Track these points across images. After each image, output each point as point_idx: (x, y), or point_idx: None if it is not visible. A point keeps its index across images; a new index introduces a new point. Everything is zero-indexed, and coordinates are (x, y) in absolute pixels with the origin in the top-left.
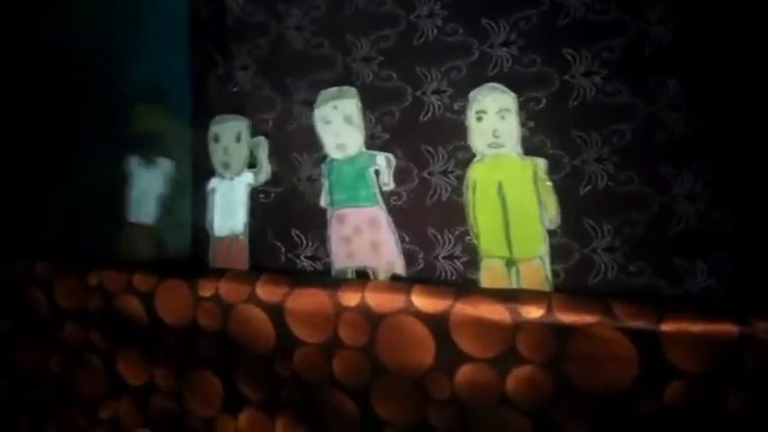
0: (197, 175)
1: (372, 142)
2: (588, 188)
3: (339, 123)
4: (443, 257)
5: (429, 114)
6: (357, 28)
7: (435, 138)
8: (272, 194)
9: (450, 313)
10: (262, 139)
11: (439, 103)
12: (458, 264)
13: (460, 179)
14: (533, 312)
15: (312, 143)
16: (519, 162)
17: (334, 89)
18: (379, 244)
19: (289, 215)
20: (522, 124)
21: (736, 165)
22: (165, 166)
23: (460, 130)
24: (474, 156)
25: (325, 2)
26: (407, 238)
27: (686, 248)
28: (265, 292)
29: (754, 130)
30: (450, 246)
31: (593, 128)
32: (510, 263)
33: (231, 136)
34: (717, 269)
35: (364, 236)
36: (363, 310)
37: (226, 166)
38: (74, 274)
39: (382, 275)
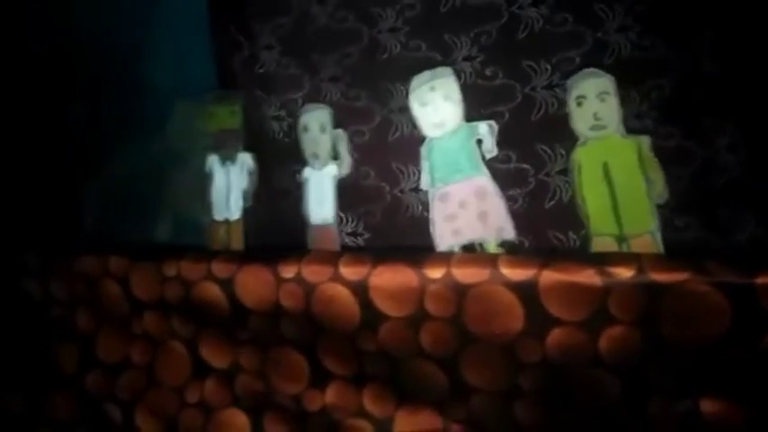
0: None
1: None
2: None
3: (438, 103)
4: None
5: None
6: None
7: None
8: None
9: (538, 279)
10: (340, 132)
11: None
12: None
13: None
14: (624, 273)
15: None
16: (623, 142)
17: (429, 72)
18: (488, 214)
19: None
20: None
21: None
22: (242, 160)
23: None
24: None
25: None
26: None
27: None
28: (348, 270)
29: None
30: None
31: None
32: (620, 239)
33: (317, 126)
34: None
35: (471, 208)
36: (449, 281)
37: (315, 156)
38: (150, 265)
39: (492, 244)
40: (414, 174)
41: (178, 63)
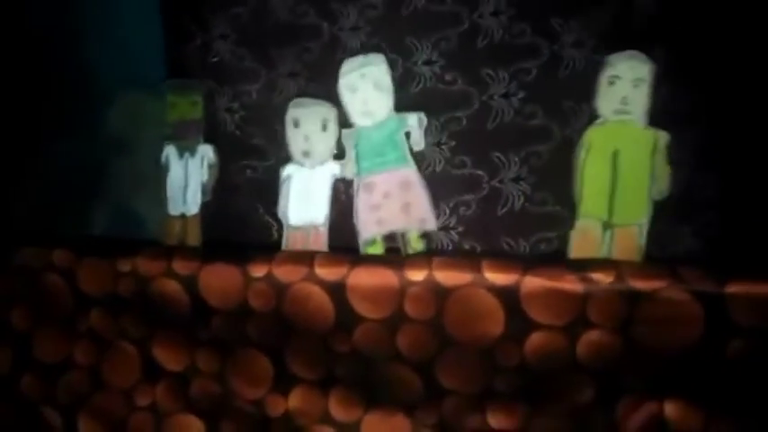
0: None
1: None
2: None
3: (368, 90)
4: None
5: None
6: None
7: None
8: None
9: (520, 284)
10: (351, 131)
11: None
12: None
13: None
14: (604, 279)
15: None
16: (642, 132)
17: (361, 57)
18: (411, 204)
19: None
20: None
21: None
22: (203, 152)
23: None
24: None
25: None
26: None
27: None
28: (324, 270)
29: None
30: None
31: None
32: (606, 225)
33: (316, 123)
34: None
35: (394, 199)
36: (431, 284)
37: (306, 154)
38: (101, 260)
39: (415, 235)
40: None
41: (124, 49)
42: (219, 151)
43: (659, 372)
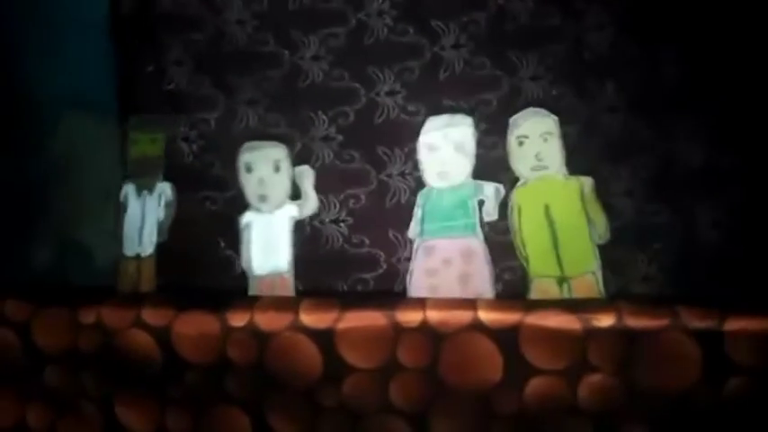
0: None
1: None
2: None
3: (449, 151)
4: None
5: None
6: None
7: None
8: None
9: (519, 326)
10: (306, 169)
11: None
12: None
13: None
14: (605, 320)
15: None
16: (565, 182)
17: (446, 117)
18: (470, 276)
19: None
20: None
21: None
22: (161, 190)
23: None
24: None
25: None
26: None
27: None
28: (310, 318)
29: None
30: None
31: None
32: (561, 280)
33: (268, 165)
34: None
35: (453, 268)
36: (425, 329)
37: (263, 198)
38: (60, 310)
39: None
40: (334, 204)
41: (70, 71)
42: (177, 183)
43: (658, 414)
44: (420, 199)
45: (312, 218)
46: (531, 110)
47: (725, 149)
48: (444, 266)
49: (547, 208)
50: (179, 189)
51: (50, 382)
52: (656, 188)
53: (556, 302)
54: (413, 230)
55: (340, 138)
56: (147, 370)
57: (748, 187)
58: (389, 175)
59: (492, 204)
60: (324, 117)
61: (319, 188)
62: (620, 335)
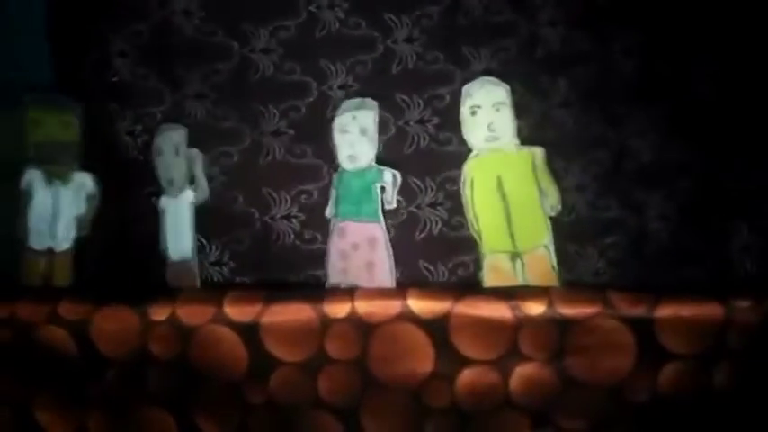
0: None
1: None
2: None
3: (355, 135)
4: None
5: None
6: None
7: None
8: None
9: (450, 316)
10: (195, 152)
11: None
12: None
13: None
14: (536, 308)
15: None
16: (517, 154)
17: (357, 100)
18: (374, 265)
19: None
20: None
21: None
22: (80, 181)
23: None
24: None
25: None
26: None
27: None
28: (235, 310)
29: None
30: None
31: None
32: (514, 255)
33: (170, 148)
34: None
35: (360, 254)
36: (353, 320)
37: (170, 182)
38: None
39: None
40: (285, 201)
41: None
42: (118, 178)
43: (593, 405)
44: (335, 180)
45: (262, 213)
46: (483, 78)
47: (674, 144)
48: (353, 250)
49: (499, 180)
50: (119, 184)
51: None
52: (607, 183)
53: (486, 290)
54: (329, 211)
55: (291, 132)
56: (64, 369)
57: (697, 181)
58: None
59: (390, 192)
60: (275, 111)
61: (270, 184)
62: (552, 323)
